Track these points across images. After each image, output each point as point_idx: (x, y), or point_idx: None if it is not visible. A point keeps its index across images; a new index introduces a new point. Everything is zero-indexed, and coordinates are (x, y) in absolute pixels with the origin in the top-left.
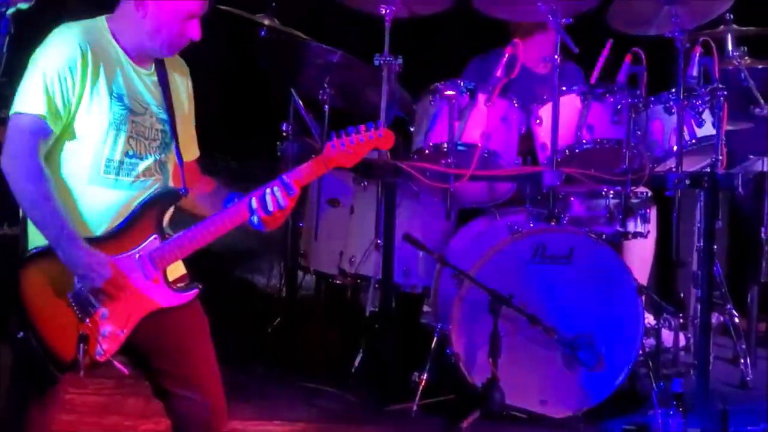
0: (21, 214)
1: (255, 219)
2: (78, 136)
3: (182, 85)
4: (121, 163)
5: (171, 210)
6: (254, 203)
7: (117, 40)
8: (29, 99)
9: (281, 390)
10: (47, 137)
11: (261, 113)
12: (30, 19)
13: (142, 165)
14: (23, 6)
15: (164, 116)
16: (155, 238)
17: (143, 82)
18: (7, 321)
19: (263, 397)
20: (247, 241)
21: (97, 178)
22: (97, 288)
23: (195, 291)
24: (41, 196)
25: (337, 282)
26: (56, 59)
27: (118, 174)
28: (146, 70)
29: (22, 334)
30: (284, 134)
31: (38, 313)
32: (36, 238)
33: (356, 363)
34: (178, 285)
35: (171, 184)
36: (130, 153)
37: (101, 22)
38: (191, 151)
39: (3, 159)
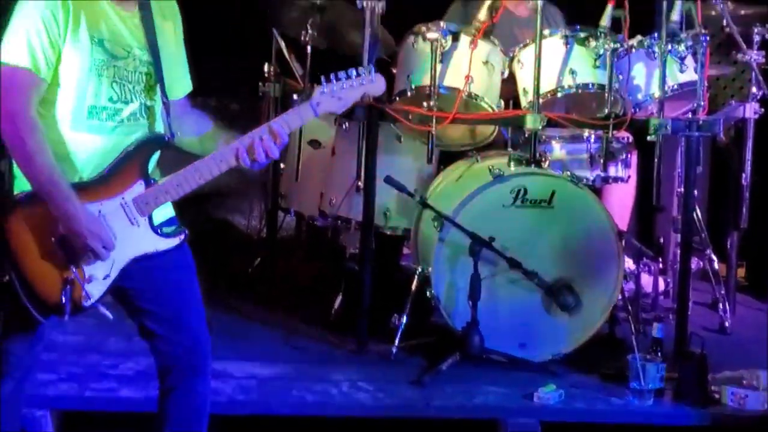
0: (6, 159)
1: (240, 162)
2: (60, 83)
3: (169, 22)
4: (105, 108)
5: (157, 154)
6: (242, 151)
7: None
8: (16, 50)
9: (261, 331)
10: (40, 88)
11: (243, 53)
12: None
13: (127, 109)
14: None
15: (148, 58)
16: (140, 183)
17: (126, 24)
18: None
19: (243, 338)
20: (228, 182)
21: (81, 123)
22: (86, 246)
23: (181, 235)
24: (35, 152)
25: (318, 223)
26: (39, 5)
27: (101, 119)
28: (129, 12)
29: (6, 277)
30: (266, 75)
31: (23, 257)
32: (22, 183)
33: (336, 304)
34: (165, 229)
35: (159, 127)
36: (114, 98)
37: None
38: (182, 87)
39: None
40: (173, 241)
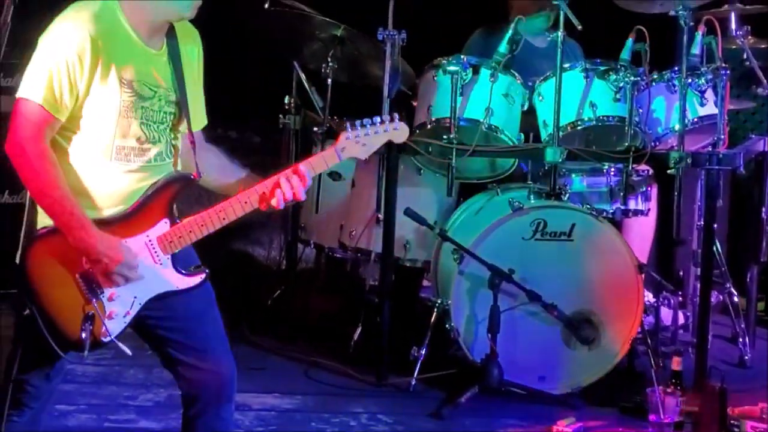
0: (29, 192)
1: (265, 205)
2: (88, 123)
3: (193, 55)
4: (132, 149)
5: (182, 193)
6: (268, 192)
7: (129, 19)
8: (35, 86)
9: (280, 363)
10: (53, 125)
11: (264, 85)
12: None
13: (153, 150)
14: None
15: (174, 97)
16: (165, 222)
17: (154, 63)
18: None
19: (262, 370)
20: (248, 214)
21: (107, 164)
22: (109, 271)
23: (202, 274)
24: (48, 185)
25: (337, 255)
26: (65, 46)
27: (129, 159)
28: (157, 50)
29: (27, 311)
30: (287, 107)
31: (45, 291)
32: (45, 218)
33: (355, 337)
34: (187, 269)
35: (181, 166)
36: (142, 138)
37: (111, 0)
38: (198, 121)
39: (9, 143)
40: (195, 280)
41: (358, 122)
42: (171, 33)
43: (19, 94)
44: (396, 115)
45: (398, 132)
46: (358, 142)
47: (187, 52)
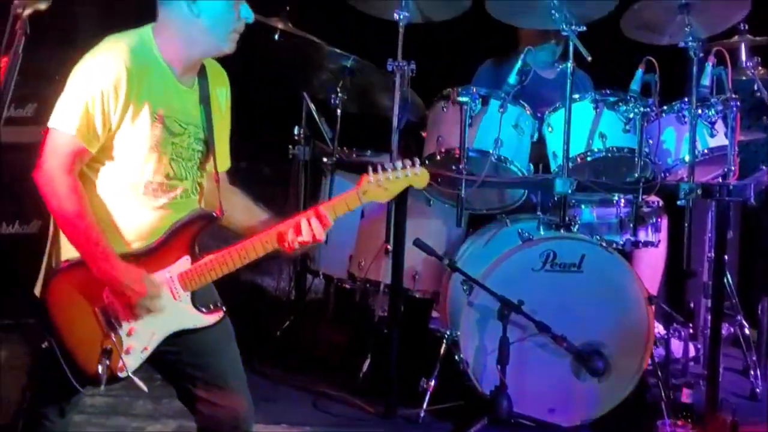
0: (52, 224)
1: (285, 245)
2: (118, 157)
3: (222, 97)
4: (160, 184)
5: (205, 231)
6: (288, 233)
7: (163, 54)
8: (68, 117)
9: (289, 393)
10: (83, 157)
11: (273, 116)
12: (42, 18)
13: (180, 187)
14: (42, 6)
15: (203, 135)
16: (187, 259)
17: (185, 100)
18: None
19: (271, 401)
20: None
21: (135, 198)
22: (132, 304)
23: (220, 312)
24: (76, 215)
25: (346, 286)
26: (101, 77)
27: (156, 195)
28: (189, 87)
29: (46, 343)
30: (296, 138)
31: (64, 324)
32: (69, 250)
33: (364, 367)
34: (206, 306)
35: (205, 204)
36: (170, 175)
37: (147, 34)
38: (223, 162)
39: (38, 172)
40: (213, 318)
41: (380, 165)
42: (202, 71)
43: (51, 124)
44: (417, 160)
45: (419, 177)
46: (380, 186)
47: (217, 93)
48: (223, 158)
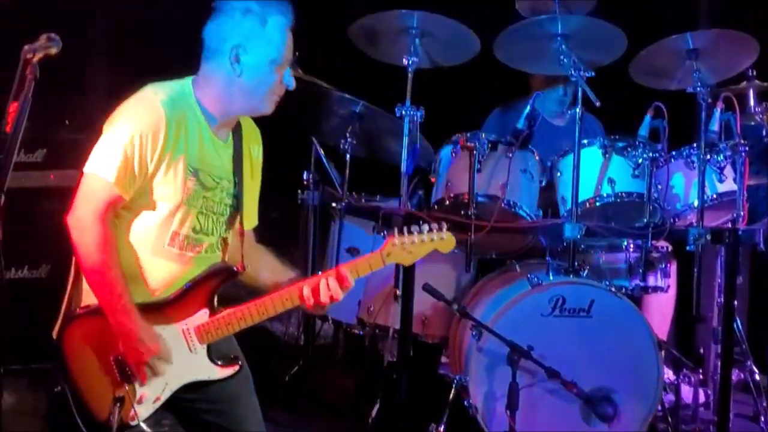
0: (74, 268)
1: (305, 303)
2: (149, 206)
3: (255, 154)
4: (187, 237)
5: (225, 285)
6: (307, 291)
7: (201, 107)
8: (105, 162)
9: None
10: (117, 205)
11: (282, 161)
12: (51, 63)
13: (206, 241)
14: (52, 51)
15: (234, 191)
16: (205, 312)
17: (220, 156)
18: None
19: None
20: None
21: (160, 249)
22: (141, 361)
23: (236, 366)
24: (103, 265)
25: (356, 331)
26: (139, 125)
27: (181, 248)
28: (224, 142)
29: (59, 387)
30: (305, 183)
31: (78, 369)
32: (89, 294)
33: (374, 413)
34: (222, 359)
35: (227, 259)
36: (197, 229)
37: (187, 86)
38: (251, 220)
39: (71, 216)
40: (227, 372)
41: (406, 228)
42: (237, 127)
43: (88, 170)
44: (444, 224)
45: (444, 241)
46: (405, 249)
47: (250, 150)
48: (250, 215)
